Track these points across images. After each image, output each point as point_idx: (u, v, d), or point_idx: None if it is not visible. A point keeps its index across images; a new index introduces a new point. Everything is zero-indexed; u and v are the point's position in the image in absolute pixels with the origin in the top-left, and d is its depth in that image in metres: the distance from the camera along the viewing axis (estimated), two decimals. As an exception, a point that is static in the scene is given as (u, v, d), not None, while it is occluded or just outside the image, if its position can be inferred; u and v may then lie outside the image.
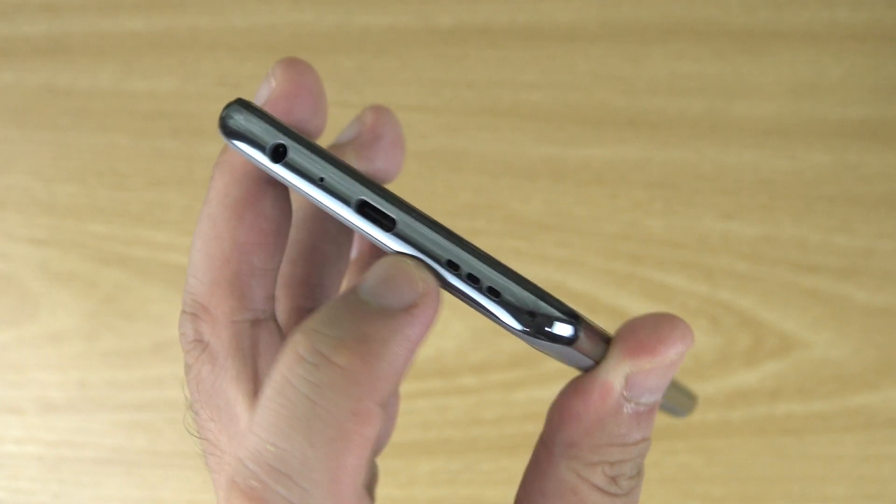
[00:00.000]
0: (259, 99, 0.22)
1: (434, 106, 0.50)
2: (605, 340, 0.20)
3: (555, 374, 0.47)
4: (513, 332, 0.19)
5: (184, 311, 0.23)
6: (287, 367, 0.18)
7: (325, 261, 0.26)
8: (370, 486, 0.26)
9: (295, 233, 0.26)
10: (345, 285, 0.27)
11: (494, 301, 0.19)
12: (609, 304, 0.48)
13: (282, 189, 0.23)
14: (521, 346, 0.47)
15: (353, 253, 0.28)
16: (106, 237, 0.49)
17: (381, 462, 0.28)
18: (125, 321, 0.49)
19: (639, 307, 0.48)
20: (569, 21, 0.51)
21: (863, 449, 0.47)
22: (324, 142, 0.23)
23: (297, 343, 0.19)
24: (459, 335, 0.48)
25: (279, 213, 0.23)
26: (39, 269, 0.49)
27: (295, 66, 0.22)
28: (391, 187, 0.22)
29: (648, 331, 0.20)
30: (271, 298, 0.23)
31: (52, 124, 0.51)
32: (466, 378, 0.48)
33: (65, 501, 0.48)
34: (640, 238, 0.48)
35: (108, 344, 0.49)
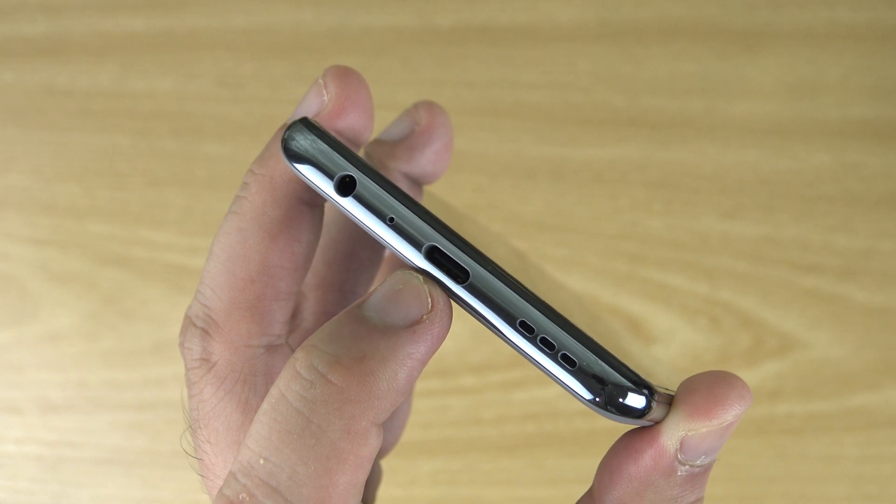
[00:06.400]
0: (307, 107, 0.21)
1: (434, 106, 0.50)
2: (668, 402, 0.19)
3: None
4: (581, 401, 0.18)
5: (193, 324, 0.21)
6: (284, 383, 0.18)
7: (361, 267, 0.25)
8: (373, 487, 0.26)
9: (336, 232, 0.25)
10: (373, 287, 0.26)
11: (567, 370, 0.18)
12: (609, 304, 0.48)
13: (319, 211, 0.22)
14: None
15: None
16: (106, 237, 0.49)
17: (382, 462, 0.28)
18: (125, 321, 0.49)
19: (639, 307, 0.48)
20: (569, 21, 0.51)
21: (863, 449, 0.47)
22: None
23: (297, 359, 0.18)
24: (459, 335, 0.48)
25: (313, 237, 0.22)
26: (39, 269, 0.49)
27: (348, 79, 0.21)
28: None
29: (705, 393, 0.19)
30: (289, 321, 0.22)
31: (52, 124, 0.51)
32: (466, 378, 0.48)
33: (65, 501, 0.48)
34: (640, 238, 0.48)
35: (107, 344, 0.49)
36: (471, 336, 0.48)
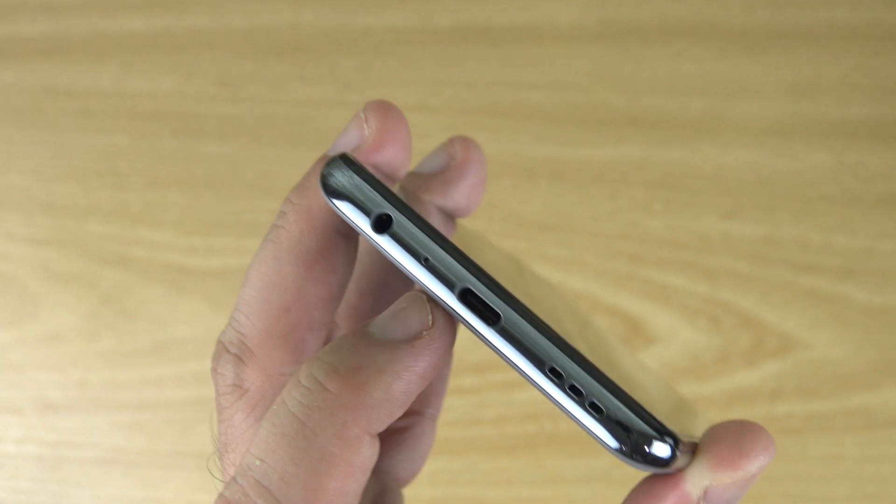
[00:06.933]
0: (348, 140, 0.22)
1: (434, 106, 0.50)
2: (691, 450, 0.19)
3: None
4: (607, 449, 0.19)
5: (226, 350, 0.22)
6: (286, 391, 0.19)
7: (392, 297, 0.25)
8: None
9: (369, 263, 0.25)
10: None
11: (595, 417, 0.18)
12: (609, 304, 0.48)
13: (354, 243, 0.22)
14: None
15: None
16: (106, 237, 0.49)
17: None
18: (125, 321, 0.49)
19: (639, 307, 0.48)
20: (569, 21, 0.51)
21: (863, 449, 0.47)
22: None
23: (300, 370, 0.19)
24: (459, 335, 0.48)
25: (348, 268, 0.22)
26: (39, 269, 0.49)
27: (389, 114, 0.21)
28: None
29: (731, 444, 0.19)
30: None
31: (52, 124, 0.51)
32: (466, 378, 0.48)
33: (65, 501, 0.48)
34: (640, 238, 0.48)
35: (107, 344, 0.49)
36: (471, 336, 0.48)
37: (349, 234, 0.22)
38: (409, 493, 0.27)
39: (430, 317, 0.19)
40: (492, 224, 0.49)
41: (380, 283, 0.25)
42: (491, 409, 0.47)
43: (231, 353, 0.21)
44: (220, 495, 0.19)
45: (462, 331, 0.28)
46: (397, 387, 0.19)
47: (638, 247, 0.48)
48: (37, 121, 0.51)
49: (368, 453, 0.19)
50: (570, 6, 0.51)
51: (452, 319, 0.20)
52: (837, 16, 0.50)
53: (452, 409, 0.47)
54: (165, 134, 0.50)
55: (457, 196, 0.24)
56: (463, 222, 0.26)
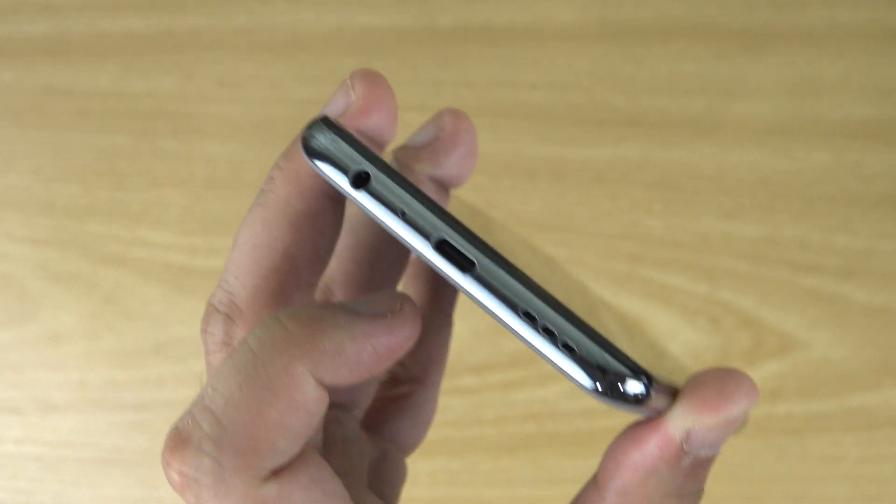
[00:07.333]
0: (334, 107, 0.22)
1: (434, 106, 0.50)
2: (672, 394, 0.20)
3: (554, 374, 0.47)
4: (583, 390, 0.19)
5: (216, 310, 0.22)
6: (250, 331, 0.20)
7: (388, 265, 0.26)
8: (398, 486, 0.26)
9: (363, 233, 0.26)
10: (400, 287, 0.27)
11: (568, 357, 0.19)
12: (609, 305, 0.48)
13: (341, 205, 0.23)
14: (521, 346, 0.47)
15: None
16: (106, 237, 0.49)
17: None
18: (125, 321, 0.49)
19: (639, 307, 0.48)
20: (569, 21, 0.51)
21: (863, 449, 0.47)
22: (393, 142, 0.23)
23: (267, 316, 0.20)
24: (459, 335, 0.48)
25: (336, 230, 0.23)
26: (39, 269, 0.49)
27: (374, 80, 0.22)
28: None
29: (714, 387, 0.19)
30: None
31: (52, 124, 0.51)
32: (466, 378, 0.48)
33: (65, 501, 0.48)
34: (640, 238, 0.48)
35: (107, 344, 0.49)
36: (471, 336, 0.48)
37: (336, 196, 0.22)
38: (408, 493, 0.27)
39: (399, 304, 0.20)
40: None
41: (375, 251, 0.26)
42: (491, 409, 0.47)
43: (221, 312, 0.22)
44: (173, 425, 0.20)
45: (460, 332, 0.28)
46: (349, 347, 0.19)
47: (638, 247, 0.48)
48: (37, 121, 0.51)
49: (312, 395, 0.19)
50: (570, 6, 0.51)
51: (419, 316, 0.21)
52: (837, 16, 0.50)
53: (452, 409, 0.47)
54: (165, 134, 0.50)
55: (448, 165, 0.25)
56: (463, 197, 0.27)
